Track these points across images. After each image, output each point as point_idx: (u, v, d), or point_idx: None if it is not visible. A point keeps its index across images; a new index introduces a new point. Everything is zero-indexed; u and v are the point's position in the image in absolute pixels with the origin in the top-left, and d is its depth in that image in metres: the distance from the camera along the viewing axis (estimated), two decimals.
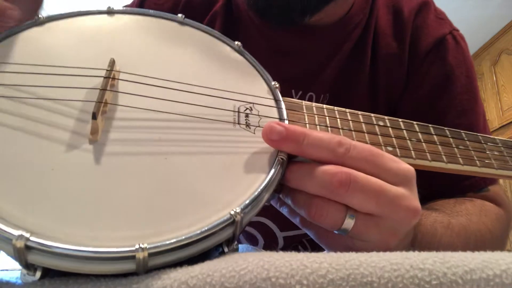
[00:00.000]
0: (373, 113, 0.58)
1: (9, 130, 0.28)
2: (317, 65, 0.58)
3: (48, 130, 0.29)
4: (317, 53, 0.58)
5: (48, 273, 0.24)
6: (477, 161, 0.40)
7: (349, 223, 0.31)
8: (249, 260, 0.24)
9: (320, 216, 0.31)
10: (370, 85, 0.59)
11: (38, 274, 0.24)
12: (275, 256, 0.25)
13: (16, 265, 0.26)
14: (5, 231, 0.23)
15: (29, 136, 0.28)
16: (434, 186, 0.57)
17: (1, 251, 0.26)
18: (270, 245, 0.66)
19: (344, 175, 0.31)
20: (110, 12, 0.39)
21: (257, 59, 0.57)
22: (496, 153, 0.42)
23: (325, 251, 0.35)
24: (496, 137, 0.44)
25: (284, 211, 0.37)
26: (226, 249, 0.28)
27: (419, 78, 0.58)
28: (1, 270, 0.28)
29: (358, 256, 0.24)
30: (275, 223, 0.64)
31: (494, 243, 0.51)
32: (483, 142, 0.43)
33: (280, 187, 0.35)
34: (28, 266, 0.24)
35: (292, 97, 0.59)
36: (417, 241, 0.41)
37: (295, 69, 0.59)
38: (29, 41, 0.34)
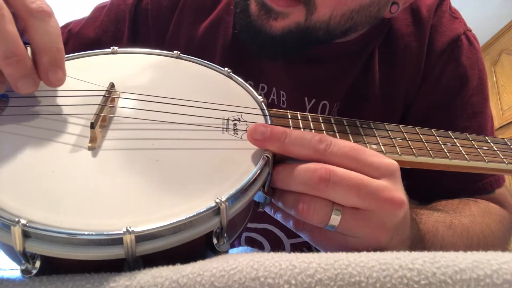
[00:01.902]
0: (389, 116, 0.58)
1: (23, 139, 0.32)
2: (332, 74, 0.58)
3: (53, 139, 0.33)
4: (333, 63, 0.57)
5: (46, 270, 0.25)
6: (465, 155, 0.40)
7: (335, 218, 0.32)
8: (239, 260, 0.25)
9: (307, 212, 0.32)
10: (386, 89, 0.58)
11: (38, 264, 0.25)
12: (266, 257, 0.25)
13: (15, 265, 0.27)
14: (5, 219, 0.25)
15: (38, 144, 0.32)
16: (442, 188, 0.57)
17: (1, 250, 0.28)
18: (277, 252, 0.65)
19: (324, 170, 0.32)
20: (114, 52, 0.45)
21: (269, 65, 0.57)
22: (485, 148, 0.42)
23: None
24: (485, 136, 0.44)
25: (278, 216, 0.38)
26: (215, 241, 0.29)
27: (433, 79, 0.58)
28: (0, 269, 0.29)
29: (347, 256, 0.24)
30: (282, 231, 0.64)
31: (497, 245, 0.51)
32: (471, 139, 0.43)
33: (272, 191, 0.36)
34: (27, 258, 0.25)
35: (305, 106, 0.58)
36: (418, 238, 0.41)
37: (310, 77, 0.58)
38: None
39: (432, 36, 0.58)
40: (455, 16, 0.60)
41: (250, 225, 0.65)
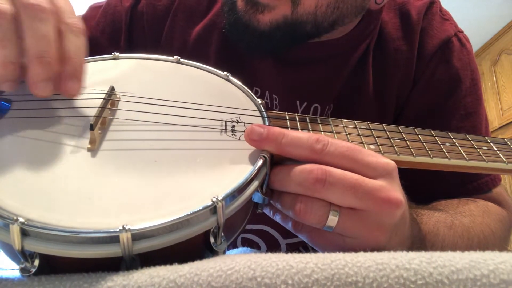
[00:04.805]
0: (382, 118, 0.58)
1: (24, 141, 0.33)
2: (323, 76, 0.58)
3: (54, 141, 0.33)
4: (324, 65, 0.57)
5: (45, 269, 0.26)
6: (464, 155, 0.40)
7: (333, 218, 0.32)
8: (236, 260, 0.25)
9: (305, 213, 0.32)
10: (378, 91, 0.58)
11: (36, 262, 0.26)
12: (263, 257, 0.25)
13: (14, 265, 0.27)
14: (4, 218, 0.26)
15: (38, 145, 0.33)
16: (438, 189, 0.57)
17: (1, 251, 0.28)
18: (273, 252, 0.65)
19: (320, 171, 0.32)
20: (115, 58, 0.46)
21: (262, 68, 0.58)
22: (485, 148, 0.42)
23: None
24: (485, 136, 0.44)
25: (277, 218, 0.38)
26: (212, 240, 0.29)
27: (425, 82, 0.58)
28: (1, 269, 0.29)
29: (344, 256, 0.25)
30: (278, 231, 0.64)
31: (497, 244, 0.51)
32: (470, 139, 0.43)
33: (271, 192, 0.36)
34: (26, 256, 0.26)
35: (297, 109, 0.58)
36: (419, 238, 0.41)
37: (301, 80, 0.58)
38: None
39: (423, 39, 0.58)
40: (445, 18, 0.60)
41: (246, 226, 0.65)
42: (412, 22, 0.58)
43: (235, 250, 0.64)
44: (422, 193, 0.57)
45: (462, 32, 0.60)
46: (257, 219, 0.64)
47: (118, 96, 0.39)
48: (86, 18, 0.64)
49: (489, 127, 0.61)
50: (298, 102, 0.58)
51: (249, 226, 0.65)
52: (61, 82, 0.34)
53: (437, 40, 0.57)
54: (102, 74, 0.43)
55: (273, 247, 0.65)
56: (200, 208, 0.28)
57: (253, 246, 0.66)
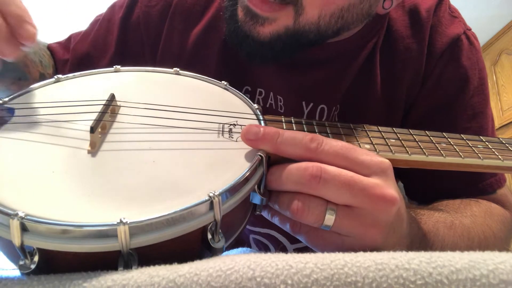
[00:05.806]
0: (390, 117, 0.58)
1: (26, 144, 0.34)
2: (328, 77, 0.57)
3: (54, 143, 0.34)
4: (328, 66, 0.57)
5: (44, 266, 0.26)
6: (460, 153, 0.40)
7: (330, 217, 0.33)
8: (236, 260, 0.25)
9: (302, 212, 0.33)
10: (386, 91, 0.57)
11: (36, 258, 0.26)
12: (262, 257, 0.25)
13: (14, 266, 0.28)
14: (4, 211, 0.26)
15: (40, 148, 0.33)
16: (442, 190, 0.57)
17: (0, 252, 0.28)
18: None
19: (315, 168, 0.32)
20: (117, 71, 0.47)
21: (265, 70, 0.57)
22: (480, 146, 0.42)
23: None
24: (480, 136, 0.44)
25: (275, 220, 0.38)
26: (209, 236, 0.29)
27: (434, 81, 0.57)
28: (2, 269, 0.29)
29: (344, 256, 0.25)
30: (284, 236, 0.64)
31: (498, 245, 0.50)
32: (465, 139, 0.43)
33: (268, 194, 0.36)
34: (25, 253, 0.26)
35: (303, 110, 0.58)
36: (418, 238, 0.41)
37: (305, 81, 0.57)
38: (54, 89, 0.43)
39: (432, 37, 0.57)
40: (454, 15, 0.59)
41: (255, 228, 0.65)
42: (421, 20, 0.57)
43: (234, 251, 0.64)
44: (426, 194, 0.57)
45: (470, 29, 0.59)
46: (263, 224, 0.64)
47: (118, 103, 0.40)
48: (86, 32, 0.65)
49: (494, 127, 0.61)
50: (304, 103, 0.58)
51: (256, 229, 0.65)
52: (16, 34, 0.34)
53: (446, 38, 0.57)
54: (103, 85, 0.44)
55: (281, 251, 0.65)
56: (197, 202, 0.28)
57: (264, 248, 0.66)
